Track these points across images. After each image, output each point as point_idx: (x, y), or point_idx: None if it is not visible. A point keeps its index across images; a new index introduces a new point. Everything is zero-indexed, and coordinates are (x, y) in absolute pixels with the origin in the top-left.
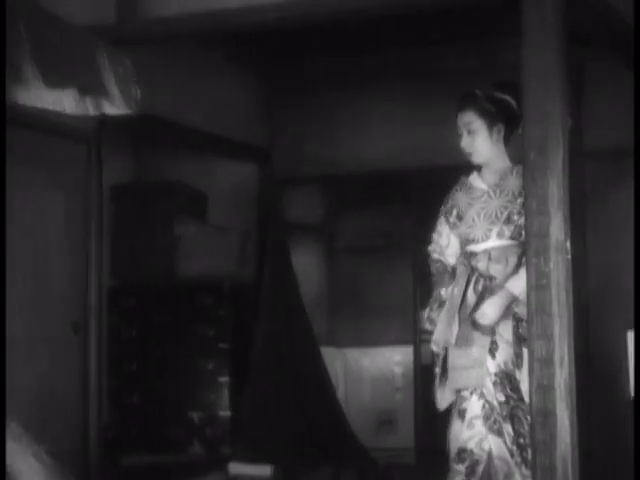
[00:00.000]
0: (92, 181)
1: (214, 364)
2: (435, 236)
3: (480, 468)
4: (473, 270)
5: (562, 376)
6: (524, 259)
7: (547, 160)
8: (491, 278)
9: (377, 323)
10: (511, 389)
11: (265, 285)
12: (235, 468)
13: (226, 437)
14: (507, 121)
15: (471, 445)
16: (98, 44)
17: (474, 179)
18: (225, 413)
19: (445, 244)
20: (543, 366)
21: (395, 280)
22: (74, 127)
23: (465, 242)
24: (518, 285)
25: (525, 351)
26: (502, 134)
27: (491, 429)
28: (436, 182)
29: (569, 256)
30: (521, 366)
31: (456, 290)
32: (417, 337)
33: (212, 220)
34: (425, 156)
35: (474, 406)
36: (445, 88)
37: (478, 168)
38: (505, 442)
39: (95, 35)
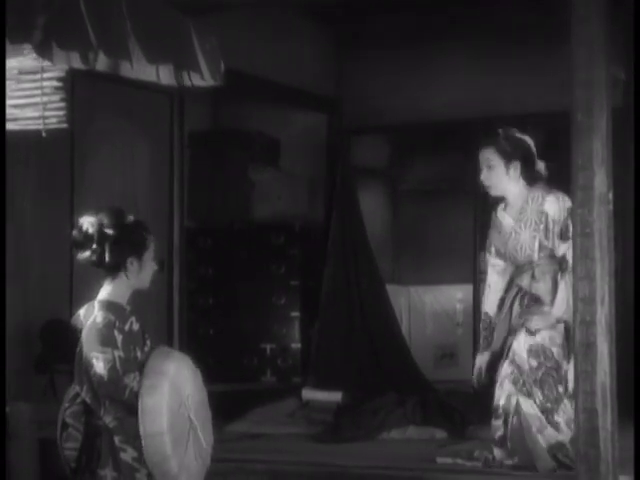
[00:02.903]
0: (174, 130)
1: (286, 299)
2: (489, 268)
3: (512, 419)
4: (520, 288)
5: (603, 313)
6: (559, 276)
7: (592, 121)
8: (536, 298)
9: (439, 262)
10: (545, 358)
11: (334, 226)
12: (308, 394)
13: (297, 367)
14: (523, 159)
15: (502, 402)
16: (189, 23)
17: (502, 216)
18: (296, 345)
19: (499, 269)
20: (586, 304)
21: (456, 222)
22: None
23: (511, 266)
24: (559, 308)
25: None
26: (519, 171)
27: (520, 391)
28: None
29: (611, 206)
30: (569, 360)
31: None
32: (477, 276)
33: (284, 165)
34: (488, 106)
35: (505, 368)
36: (508, 41)
37: (503, 202)
38: (535, 402)
39: (180, 10)
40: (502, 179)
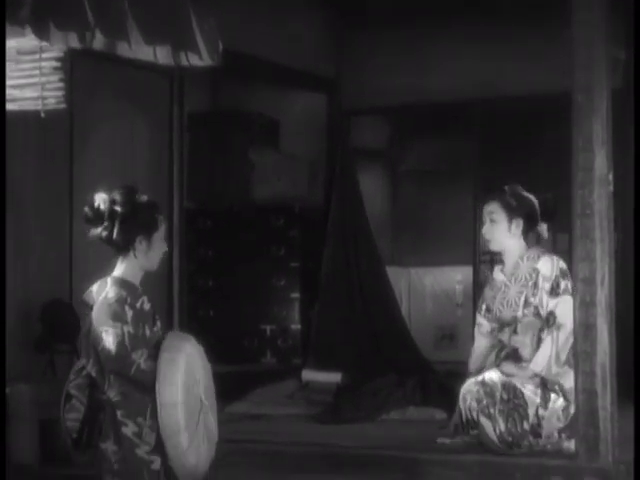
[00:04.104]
0: (174, 111)
1: (285, 281)
2: (475, 328)
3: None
4: (501, 343)
5: (602, 293)
6: (543, 333)
7: (592, 102)
8: (515, 351)
9: (439, 244)
10: (514, 396)
11: (333, 207)
12: (308, 375)
13: (297, 348)
14: (527, 217)
15: (466, 415)
16: (187, 3)
17: (496, 273)
18: (296, 326)
19: (484, 331)
20: (586, 285)
21: (456, 204)
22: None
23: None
24: (538, 364)
25: (552, 399)
26: (520, 228)
27: (482, 411)
28: (498, 111)
29: (611, 188)
30: (545, 407)
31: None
32: (477, 257)
33: (284, 147)
34: (488, 87)
35: (470, 384)
36: (508, 21)
37: (500, 262)
38: (494, 429)
39: None
40: (503, 234)
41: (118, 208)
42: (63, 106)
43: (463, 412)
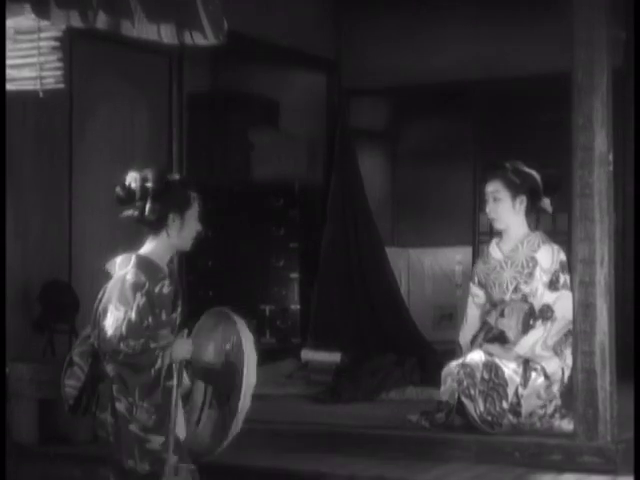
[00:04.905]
0: (173, 92)
1: (285, 261)
2: (469, 298)
3: (453, 413)
4: (488, 325)
5: (602, 273)
6: (532, 320)
7: (593, 81)
8: (501, 333)
9: (439, 224)
10: (495, 375)
11: (333, 188)
12: (307, 355)
13: (296, 328)
14: (530, 193)
15: (445, 397)
16: None
17: (493, 248)
18: (295, 306)
19: (479, 302)
20: (585, 265)
21: (456, 184)
22: (157, 42)
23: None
24: (523, 348)
25: (532, 378)
26: (524, 205)
27: (463, 392)
28: (497, 92)
29: (611, 168)
30: (525, 386)
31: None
32: (476, 238)
33: (284, 127)
34: (487, 67)
35: (451, 366)
36: (507, 1)
37: (498, 236)
38: (475, 409)
39: None
40: (508, 212)
41: (149, 185)
42: (62, 86)
43: (442, 393)
